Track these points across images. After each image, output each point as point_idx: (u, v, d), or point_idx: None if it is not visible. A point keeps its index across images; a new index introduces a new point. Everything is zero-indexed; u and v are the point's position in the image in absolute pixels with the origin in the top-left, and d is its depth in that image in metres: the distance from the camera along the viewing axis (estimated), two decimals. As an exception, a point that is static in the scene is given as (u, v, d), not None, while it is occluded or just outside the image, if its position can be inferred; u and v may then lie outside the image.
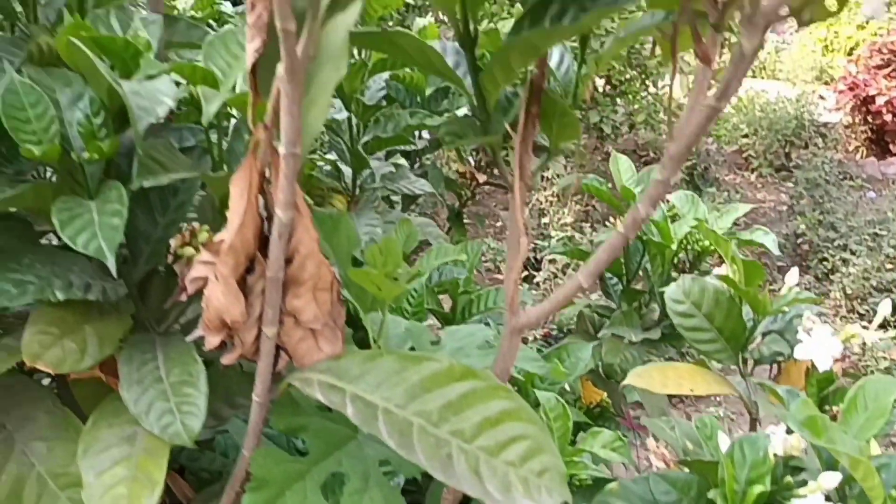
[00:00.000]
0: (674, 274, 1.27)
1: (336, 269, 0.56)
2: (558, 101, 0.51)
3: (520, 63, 0.47)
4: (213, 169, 0.59)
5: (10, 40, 0.62)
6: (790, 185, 4.90)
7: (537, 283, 3.43)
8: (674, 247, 1.11)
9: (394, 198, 1.52)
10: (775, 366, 0.91)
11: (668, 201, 1.27)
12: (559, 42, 0.53)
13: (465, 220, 1.88)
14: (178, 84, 0.53)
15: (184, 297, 0.51)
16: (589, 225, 4.00)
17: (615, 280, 1.31)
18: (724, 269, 0.91)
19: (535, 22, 0.48)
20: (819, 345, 0.75)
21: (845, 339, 0.76)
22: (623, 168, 1.27)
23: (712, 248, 1.16)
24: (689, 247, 1.18)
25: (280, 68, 0.42)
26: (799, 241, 4.13)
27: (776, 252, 1.09)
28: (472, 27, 0.48)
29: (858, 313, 3.51)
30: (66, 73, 0.59)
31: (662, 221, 1.15)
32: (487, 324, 1.50)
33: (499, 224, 4.15)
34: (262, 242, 0.50)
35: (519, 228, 0.53)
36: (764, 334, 0.87)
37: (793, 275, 0.86)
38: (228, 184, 0.54)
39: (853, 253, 3.83)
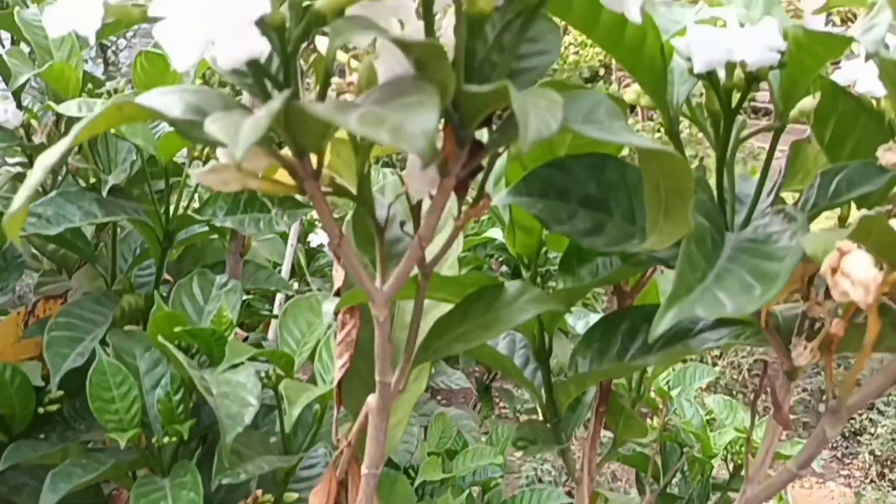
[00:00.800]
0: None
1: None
2: (625, 406, 0.53)
3: (593, 382, 0.49)
4: (282, 430, 0.61)
5: (96, 299, 0.65)
6: (812, 336, 4.87)
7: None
8: (715, 462, 1.10)
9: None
10: None
11: (705, 405, 1.26)
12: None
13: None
14: (262, 375, 0.55)
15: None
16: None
17: (652, 481, 1.29)
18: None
19: (607, 333, 0.50)
20: None
21: None
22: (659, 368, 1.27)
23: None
24: (728, 456, 1.17)
25: (371, 400, 0.44)
26: (824, 397, 4.07)
27: (818, 469, 1.08)
28: (546, 342, 0.51)
29: (889, 480, 3.39)
30: (147, 338, 0.62)
31: (702, 431, 1.14)
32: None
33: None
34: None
35: (586, 525, 0.54)
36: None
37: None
38: (295, 466, 0.55)
39: (881, 413, 3.75)
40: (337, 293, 0.48)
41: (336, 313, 0.48)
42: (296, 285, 1.35)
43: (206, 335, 0.55)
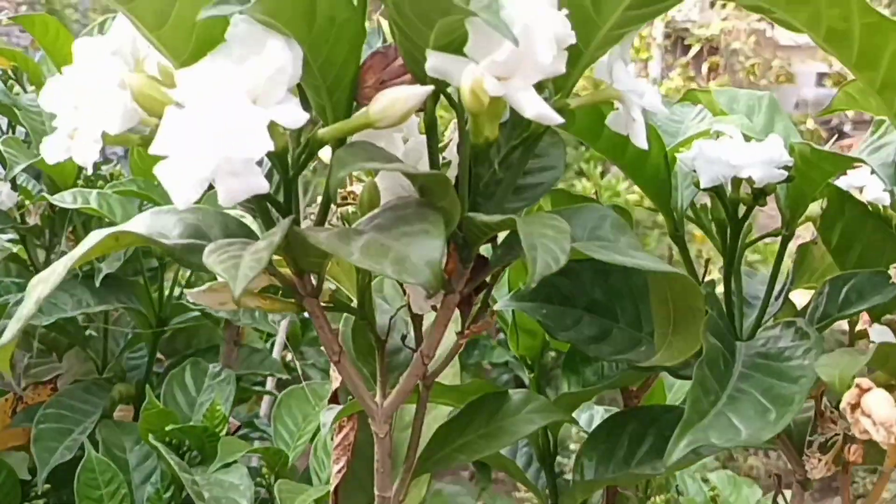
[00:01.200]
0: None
1: None
2: (633, 509, 0.51)
3: (599, 489, 0.48)
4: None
5: (87, 388, 0.64)
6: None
7: None
8: (720, 543, 1.07)
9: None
10: None
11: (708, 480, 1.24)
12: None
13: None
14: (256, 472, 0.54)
15: None
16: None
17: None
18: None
19: (613, 434, 0.49)
20: None
21: None
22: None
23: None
24: (733, 536, 1.14)
25: (369, 512, 0.42)
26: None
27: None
28: (551, 444, 0.49)
29: (895, 545, 3.33)
30: (137, 429, 0.60)
31: (705, 509, 1.12)
32: None
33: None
34: None
35: None
36: None
37: None
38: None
39: (883, 476, 3.70)
40: (333, 396, 0.46)
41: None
42: (289, 356, 1.33)
43: (199, 432, 0.54)
